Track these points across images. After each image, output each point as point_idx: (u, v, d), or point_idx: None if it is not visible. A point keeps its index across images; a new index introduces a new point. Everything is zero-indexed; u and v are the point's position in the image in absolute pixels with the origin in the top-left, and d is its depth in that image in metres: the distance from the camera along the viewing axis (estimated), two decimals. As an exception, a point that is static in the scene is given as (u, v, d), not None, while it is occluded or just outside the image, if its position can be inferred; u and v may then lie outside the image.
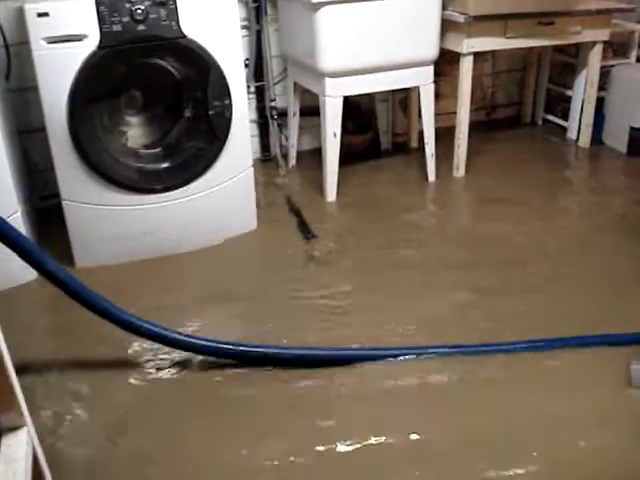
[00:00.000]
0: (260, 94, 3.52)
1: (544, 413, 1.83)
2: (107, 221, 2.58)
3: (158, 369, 2.05)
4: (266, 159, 3.62)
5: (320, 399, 1.92)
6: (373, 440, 1.75)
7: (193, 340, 2.01)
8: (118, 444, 1.78)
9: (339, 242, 2.78)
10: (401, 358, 2.03)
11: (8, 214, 2.39)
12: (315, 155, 3.36)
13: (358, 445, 1.73)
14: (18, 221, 2.44)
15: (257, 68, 3.44)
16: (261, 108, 3.55)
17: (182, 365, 2.06)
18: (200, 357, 2.07)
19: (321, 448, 1.73)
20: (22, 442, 1.13)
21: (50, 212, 2.71)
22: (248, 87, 3.40)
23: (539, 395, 1.89)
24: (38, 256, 1.83)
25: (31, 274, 2.54)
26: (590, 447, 1.71)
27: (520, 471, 1.64)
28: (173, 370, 2.05)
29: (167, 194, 2.62)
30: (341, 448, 1.73)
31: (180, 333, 2.00)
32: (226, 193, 2.72)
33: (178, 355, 2.09)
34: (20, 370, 1.95)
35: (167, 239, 2.68)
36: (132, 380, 2.01)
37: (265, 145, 3.62)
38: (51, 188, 2.52)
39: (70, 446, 1.76)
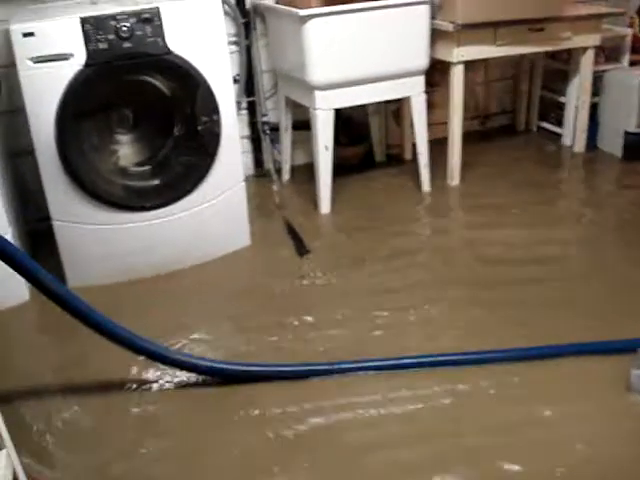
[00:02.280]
0: (252, 109, 3.51)
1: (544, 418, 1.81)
2: (97, 240, 2.56)
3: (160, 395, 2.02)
4: (259, 175, 3.60)
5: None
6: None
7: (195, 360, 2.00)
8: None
9: (333, 257, 2.75)
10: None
11: (-2, 234, 2.38)
12: (309, 169, 3.34)
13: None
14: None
15: (248, 84, 3.43)
16: (253, 124, 3.54)
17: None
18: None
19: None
20: (1, 465, 1.10)
21: (45, 234, 2.69)
22: (239, 103, 3.41)
23: (538, 401, 1.87)
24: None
25: (24, 296, 2.53)
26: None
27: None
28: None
29: (157, 211, 2.60)
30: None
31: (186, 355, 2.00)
32: (218, 209, 2.70)
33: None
34: (11, 396, 2.00)
35: (159, 257, 2.65)
36: (134, 409, 1.98)
37: (258, 161, 3.60)
38: (45, 210, 2.50)
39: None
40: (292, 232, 2.94)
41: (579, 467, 1.65)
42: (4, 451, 1.12)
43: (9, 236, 2.41)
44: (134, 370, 2.10)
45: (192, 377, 2.05)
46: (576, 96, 3.60)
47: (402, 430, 1.81)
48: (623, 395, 1.87)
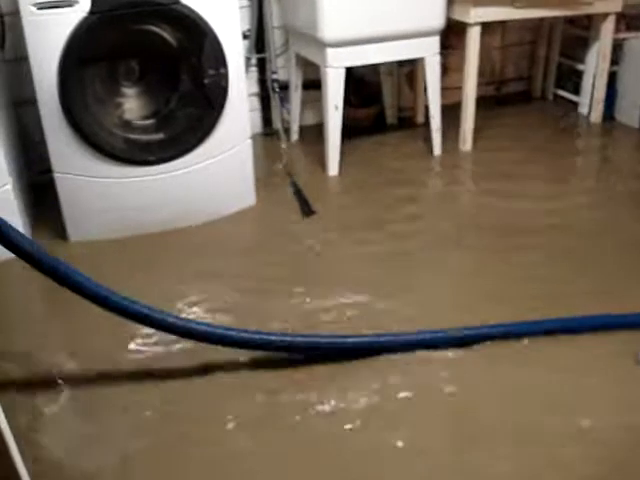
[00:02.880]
0: (262, 66, 3.44)
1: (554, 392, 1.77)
2: (100, 194, 2.51)
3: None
4: (267, 134, 3.54)
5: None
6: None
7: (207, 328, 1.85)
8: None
9: (338, 219, 2.70)
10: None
11: (-2, 186, 2.35)
12: (318, 130, 3.27)
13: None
14: (8, 194, 2.39)
15: (258, 40, 3.35)
16: (263, 81, 3.47)
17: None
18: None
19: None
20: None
21: (47, 187, 2.64)
22: (249, 59, 3.34)
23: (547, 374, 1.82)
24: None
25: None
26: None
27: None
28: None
29: (161, 166, 2.54)
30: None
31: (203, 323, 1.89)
32: (223, 166, 2.64)
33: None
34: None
35: (161, 214, 2.61)
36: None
37: (267, 119, 3.54)
38: (48, 162, 2.46)
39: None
40: (298, 192, 2.88)
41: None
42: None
43: (9, 187, 2.39)
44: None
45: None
46: (595, 64, 3.50)
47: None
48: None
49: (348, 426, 1.67)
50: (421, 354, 1.88)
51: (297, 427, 1.68)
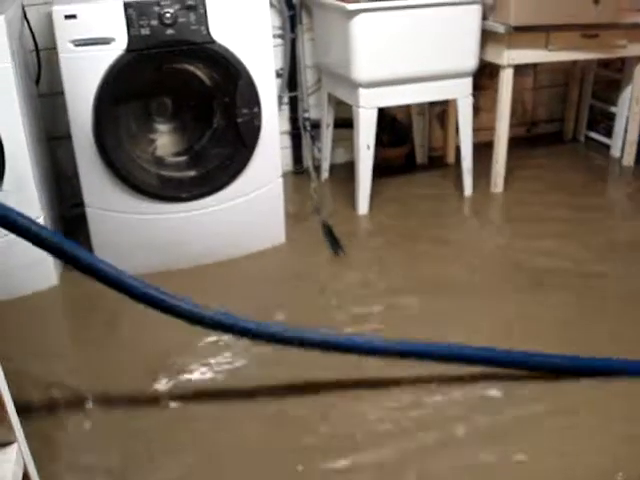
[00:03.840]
0: (294, 105, 3.45)
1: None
2: (130, 229, 2.52)
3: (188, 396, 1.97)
4: (298, 172, 3.55)
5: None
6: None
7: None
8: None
9: (368, 259, 2.69)
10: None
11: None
12: (348, 168, 3.27)
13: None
14: (40, 227, 2.39)
15: (291, 78, 3.37)
16: (294, 119, 3.48)
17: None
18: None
19: None
20: (11, 459, 1.05)
21: (79, 220, 2.66)
22: (281, 97, 3.35)
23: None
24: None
25: (52, 280, 2.51)
26: None
27: None
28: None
29: (193, 203, 2.55)
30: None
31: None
32: (254, 204, 2.64)
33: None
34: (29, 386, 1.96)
35: (191, 250, 2.61)
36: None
37: (297, 157, 3.54)
38: (80, 196, 2.48)
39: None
40: (328, 231, 2.87)
41: None
42: (14, 445, 1.07)
43: (41, 220, 2.39)
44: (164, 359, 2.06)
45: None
46: (627, 107, 3.48)
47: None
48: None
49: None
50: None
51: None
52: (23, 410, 1.12)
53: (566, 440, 1.73)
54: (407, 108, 3.51)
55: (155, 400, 1.92)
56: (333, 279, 2.54)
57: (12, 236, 2.28)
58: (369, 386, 1.95)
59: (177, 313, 1.72)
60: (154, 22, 2.28)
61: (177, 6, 2.29)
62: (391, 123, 3.51)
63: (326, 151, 3.44)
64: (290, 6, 3.23)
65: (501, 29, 2.90)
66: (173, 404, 1.91)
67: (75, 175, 2.46)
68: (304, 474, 1.65)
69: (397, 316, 2.30)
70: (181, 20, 2.31)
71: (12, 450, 1.06)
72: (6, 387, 1.05)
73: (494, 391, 1.89)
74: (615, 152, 3.65)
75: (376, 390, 1.93)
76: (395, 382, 1.94)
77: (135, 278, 1.70)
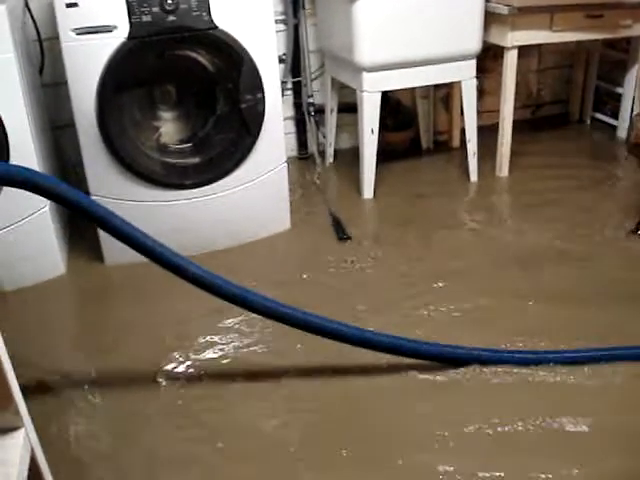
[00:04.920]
0: (297, 90, 3.44)
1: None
2: (135, 217, 2.49)
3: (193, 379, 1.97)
4: (303, 157, 3.55)
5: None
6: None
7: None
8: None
9: (374, 244, 2.68)
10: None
11: (37, 208, 2.38)
12: (353, 153, 3.26)
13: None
14: (46, 216, 2.41)
15: (294, 63, 3.36)
16: (298, 104, 3.47)
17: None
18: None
19: None
20: (18, 444, 1.05)
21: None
22: (285, 83, 3.35)
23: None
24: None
25: (59, 269, 2.52)
26: None
27: None
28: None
29: (197, 190, 2.55)
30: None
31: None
32: (258, 190, 2.64)
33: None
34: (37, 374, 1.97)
35: (196, 237, 2.61)
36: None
37: (302, 142, 3.54)
38: (85, 184, 2.48)
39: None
40: (333, 217, 2.87)
41: None
42: (22, 430, 1.08)
43: (47, 209, 2.40)
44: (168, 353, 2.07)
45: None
46: (634, 87, 3.46)
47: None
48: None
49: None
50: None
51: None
52: (30, 395, 1.13)
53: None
54: (411, 92, 3.50)
55: (159, 386, 1.93)
56: (338, 264, 2.54)
57: (18, 225, 2.33)
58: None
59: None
60: (155, 9, 2.27)
61: (178, -8, 2.29)
62: (395, 107, 3.50)
63: (330, 136, 3.44)
64: (293, -9, 3.22)
65: (505, 10, 2.88)
66: (176, 393, 1.91)
67: (80, 164, 2.46)
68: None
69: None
70: (183, 6, 2.30)
71: (19, 435, 1.07)
72: (13, 373, 1.05)
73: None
74: (621, 133, 3.64)
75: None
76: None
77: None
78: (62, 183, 1.63)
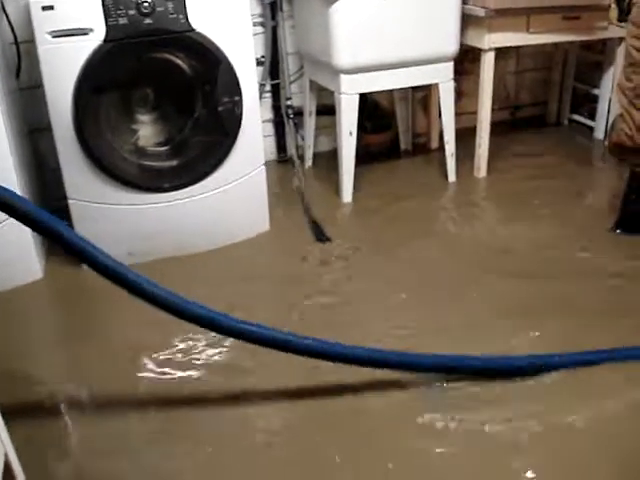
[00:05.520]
0: (276, 93, 3.44)
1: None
2: (113, 220, 2.51)
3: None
4: (282, 160, 3.54)
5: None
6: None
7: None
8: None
9: (352, 246, 2.68)
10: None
11: (13, 213, 2.34)
12: (332, 156, 3.27)
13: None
14: (23, 220, 2.38)
15: (273, 66, 3.36)
16: (277, 107, 3.47)
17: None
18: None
19: None
20: (-9, 449, 1.05)
21: (64, 212, 2.65)
22: (263, 85, 3.35)
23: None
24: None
25: (37, 273, 2.50)
26: None
27: None
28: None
29: (175, 193, 2.54)
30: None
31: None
32: (237, 193, 2.64)
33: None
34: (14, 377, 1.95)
35: (175, 240, 2.61)
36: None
37: (281, 145, 3.54)
38: (64, 188, 2.47)
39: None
40: (312, 219, 2.87)
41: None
42: (-6, 435, 1.07)
43: (23, 213, 2.38)
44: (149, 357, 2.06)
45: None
46: (610, 89, 3.49)
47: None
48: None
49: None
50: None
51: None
52: (7, 408, 1.12)
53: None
54: (389, 94, 3.51)
55: (139, 391, 1.93)
56: (317, 266, 2.55)
57: (-7, 230, 2.31)
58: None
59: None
60: (132, 11, 2.27)
61: (155, -5, 2.28)
62: (374, 109, 3.51)
63: (309, 139, 3.44)
64: (270, -7, 3.23)
65: (481, 12, 2.90)
66: (154, 394, 1.91)
67: (57, 168, 2.45)
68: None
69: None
70: (159, 9, 2.29)
71: (-8, 441, 1.06)
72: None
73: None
74: (599, 134, 3.67)
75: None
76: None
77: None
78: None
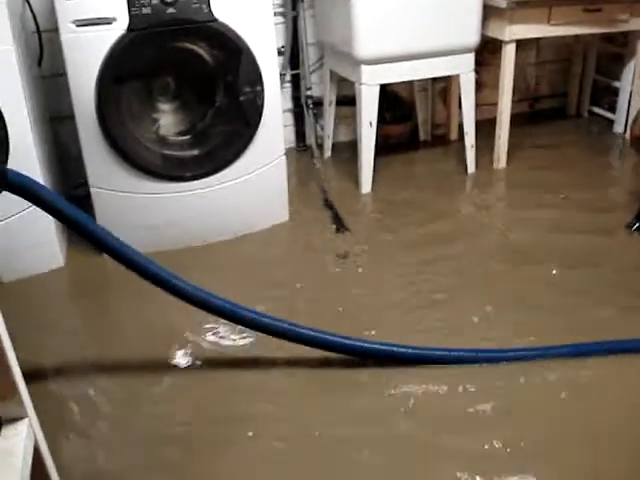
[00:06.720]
0: (296, 82, 3.45)
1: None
2: (134, 209, 2.53)
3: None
4: (301, 149, 3.55)
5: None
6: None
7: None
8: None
9: (371, 236, 2.69)
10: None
11: (36, 200, 2.37)
12: (351, 146, 3.27)
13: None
14: (45, 208, 2.41)
15: (293, 56, 3.37)
16: (297, 97, 3.48)
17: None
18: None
19: None
20: (21, 435, 1.06)
21: (84, 200, 2.67)
22: (284, 75, 3.35)
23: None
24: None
25: (59, 261, 2.52)
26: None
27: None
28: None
29: (196, 182, 2.56)
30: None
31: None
32: (257, 182, 2.65)
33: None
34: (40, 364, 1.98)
35: (195, 229, 2.62)
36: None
37: (300, 135, 3.55)
38: (85, 176, 2.49)
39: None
40: (331, 209, 2.88)
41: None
42: (25, 420, 1.09)
43: (46, 201, 2.40)
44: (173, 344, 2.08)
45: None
46: (631, 81, 3.47)
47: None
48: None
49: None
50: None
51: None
52: (30, 386, 1.13)
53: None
54: (409, 85, 3.50)
55: (159, 375, 1.95)
56: (335, 257, 2.56)
57: (18, 217, 2.33)
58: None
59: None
60: (155, 1, 2.28)
61: (178, -16, 2.29)
62: (393, 100, 3.51)
63: (329, 129, 3.44)
64: (291, -17, 3.23)
65: (503, 4, 2.89)
66: (177, 381, 1.93)
67: (79, 155, 2.47)
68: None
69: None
70: (182, -1, 2.30)
71: (23, 425, 1.08)
72: (16, 363, 1.06)
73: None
74: (619, 127, 3.64)
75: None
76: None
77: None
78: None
